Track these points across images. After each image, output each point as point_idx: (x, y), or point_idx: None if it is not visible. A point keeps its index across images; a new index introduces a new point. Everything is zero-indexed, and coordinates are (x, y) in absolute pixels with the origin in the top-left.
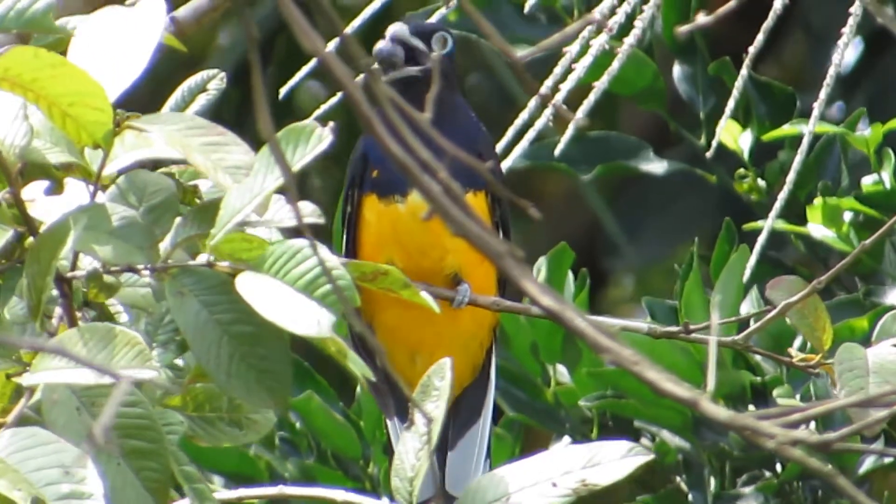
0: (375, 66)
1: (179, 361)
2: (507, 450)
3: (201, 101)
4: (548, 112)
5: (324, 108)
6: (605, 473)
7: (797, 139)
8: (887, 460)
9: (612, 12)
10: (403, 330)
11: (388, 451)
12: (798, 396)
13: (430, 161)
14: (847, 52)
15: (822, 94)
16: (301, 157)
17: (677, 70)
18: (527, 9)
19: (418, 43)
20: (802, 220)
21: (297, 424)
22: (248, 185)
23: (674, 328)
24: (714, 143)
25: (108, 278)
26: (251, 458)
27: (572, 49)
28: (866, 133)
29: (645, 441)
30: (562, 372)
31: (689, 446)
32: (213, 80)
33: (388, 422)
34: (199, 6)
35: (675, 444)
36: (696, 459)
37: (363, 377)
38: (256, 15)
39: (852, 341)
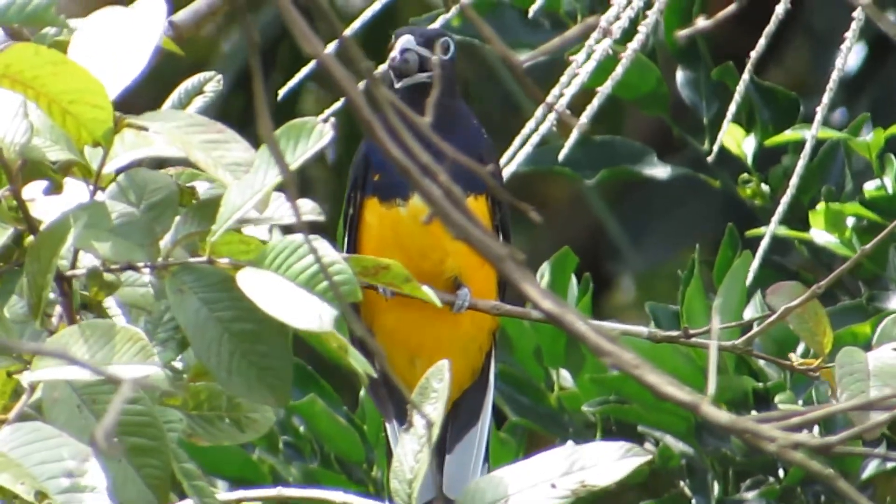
0: (389, 74)
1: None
2: (511, 454)
3: (198, 103)
4: (552, 117)
5: (326, 113)
6: (603, 474)
7: (800, 144)
8: (890, 465)
9: (617, 17)
10: (403, 333)
11: (388, 454)
12: (801, 401)
13: (430, 164)
14: (850, 56)
15: (826, 99)
16: (302, 154)
17: (680, 75)
18: (530, 14)
19: (426, 52)
20: (805, 225)
21: (301, 428)
22: (248, 182)
23: (674, 333)
24: (716, 148)
25: (108, 276)
26: (254, 462)
27: (578, 56)
28: (868, 138)
29: (648, 446)
30: (565, 377)
31: (693, 451)
32: (210, 83)
33: (388, 425)
34: (198, 10)
35: (678, 449)
36: (700, 464)
37: (364, 374)
38: (259, 21)
39: (855, 346)
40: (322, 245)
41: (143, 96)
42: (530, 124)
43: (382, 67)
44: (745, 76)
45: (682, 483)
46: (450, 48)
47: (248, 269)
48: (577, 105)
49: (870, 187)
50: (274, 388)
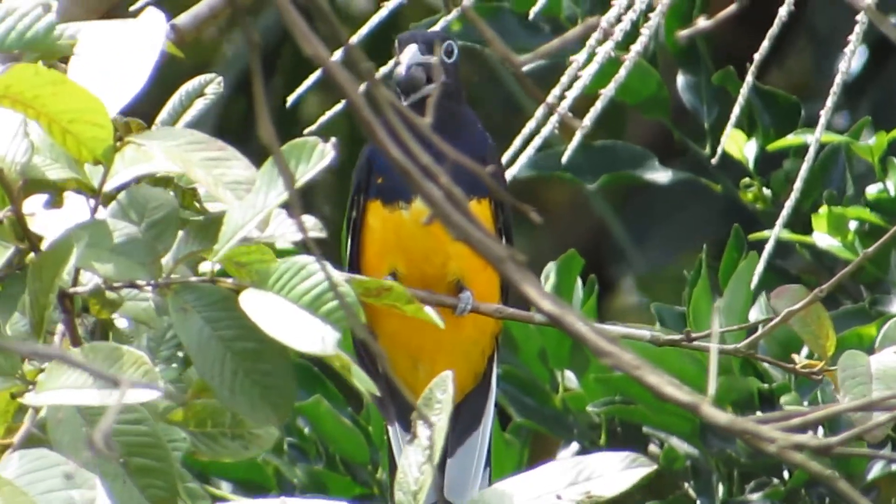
0: (395, 88)
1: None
2: (515, 456)
3: (199, 105)
4: (553, 120)
5: (328, 115)
6: (609, 484)
7: (802, 148)
8: (895, 467)
9: (618, 19)
10: (405, 336)
11: (389, 455)
12: (806, 402)
13: (430, 166)
14: (852, 60)
15: (829, 103)
16: (304, 173)
17: (681, 79)
18: (531, 17)
19: (431, 60)
20: (807, 229)
21: (306, 430)
22: (250, 202)
23: (676, 336)
24: (718, 152)
25: (110, 294)
26: (259, 464)
27: (578, 58)
28: (871, 142)
29: (653, 447)
30: (570, 378)
31: (698, 453)
32: (211, 85)
33: (389, 427)
34: (198, 13)
35: (683, 451)
36: (705, 466)
37: (368, 393)
38: (261, 25)
39: (859, 349)
40: (326, 266)
41: (144, 99)
42: (531, 125)
43: (384, 70)
44: (749, 79)
45: (686, 484)
46: (453, 51)
47: (250, 290)
48: (578, 109)
49: (872, 191)
50: (276, 406)
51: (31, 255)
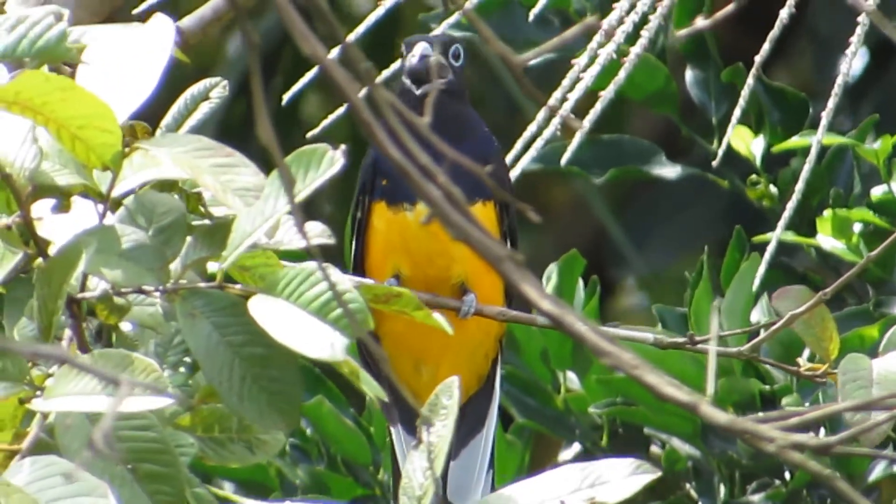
0: (404, 81)
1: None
2: (517, 456)
3: (204, 108)
4: (555, 121)
5: (330, 119)
6: (613, 491)
7: (809, 149)
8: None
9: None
10: (409, 339)
11: (392, 457)
12: (808, 404)
13: (429, 165)
14: (854, 62)
15: (831, 104)
16: (313, 180)
17: (689, 75)
18: (533, 13)
19: (442, 59)
20: (814, 228)
21: (308, 431)
22: (258, 209)
23: (680, 339)
24: (722, 148)
25: (118, 300)
26: (262, 465)
27: (581, 58)
28: (876, 146)
29: (655, 448)
30: (572, 379)
31: (699, 454)
32: (216, 88)
33: (392, 429)
34: (203, 16)
35: (684, 452)
36: (706, 467)
37: (376, 398)
38: (262, 27)
39: (861, 351)
40: (334, 272)
41: (147, 101)
42: (532, 127)
43: (385, 72)
44: (750, 80)
45: (688, 485)
46: (459, 55)
47: (259, 295)
48: (583, 106)
49: (877, 192)
50: (284, 412)
51: (39, 260)
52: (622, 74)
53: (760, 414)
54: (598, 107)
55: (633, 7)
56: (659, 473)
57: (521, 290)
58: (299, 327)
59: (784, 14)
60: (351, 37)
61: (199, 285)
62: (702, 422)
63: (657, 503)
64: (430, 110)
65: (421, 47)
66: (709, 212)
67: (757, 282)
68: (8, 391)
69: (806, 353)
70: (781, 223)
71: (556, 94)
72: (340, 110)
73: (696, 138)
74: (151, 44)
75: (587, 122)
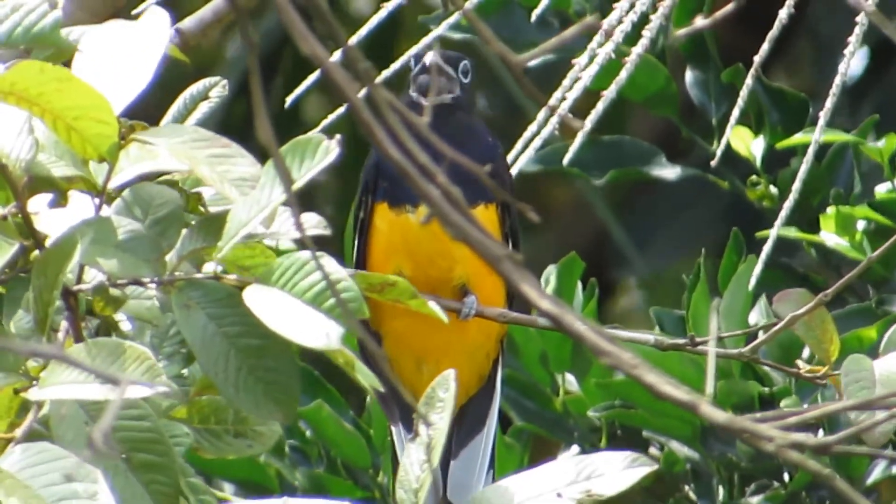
0: (412, 94)
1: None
2: (516, 459)
3: (203, 108)
4: (554, 121)
5: (330, 119)
6: (610, 484)
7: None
8: (895, 470)
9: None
10: (410, 339)
11: (393, 457)
12: (806, 406)
13: (428, 165)
14: (853, 62)
15: (829, 104)
16: (308, 170)
17: (689, 76)
18: (535, 15)
19: (451, 71)
20: (815, 227)
21: (307, 433)
22: (254, 198)
23: (680, 340)
24: (720, 149)
25: (114, 291)
26: (261, 466)
27: (581, 58)
28: (880, 144)
29: (653, 451)
30: (571, 381)
31: (698, 456)
32: (215, 88)
33: (393, 428)
34: (203, 17)
35: (683, 454)
36: (705, 469)
37: (371, 389)
38: (262, 27)
39: (860, 351)
40: (328, 262)
41: (147, 102)
42: (532, 128)
43: (386, 74)
44: (749, 81)
45: (687, 488)
46: (468, 71)
47: (254, 285)
48: (582, 107)
49: (880, 190)
50: (280, 403)
51: (36, 252)
52: (624, 73)
53: (759, 414)
54: (599, 107)
55: (632, 7)
56: (656, 466)
57: (520, 290)
58: (295, 317)
59: (784, 14)
60: (353, 39)
61: (195, 276)
62: (701, 424)
63: None
64: (430, 112)
65: (429, 59)
66: (709, 212)
67: (753, 282)
68: (3, 381)
69: (804, 354)
70: (779, 221)
71: (556, 94)
72: (340, 110)
73: (697, 139)
74: (147, 36)
75: (589, 123)
